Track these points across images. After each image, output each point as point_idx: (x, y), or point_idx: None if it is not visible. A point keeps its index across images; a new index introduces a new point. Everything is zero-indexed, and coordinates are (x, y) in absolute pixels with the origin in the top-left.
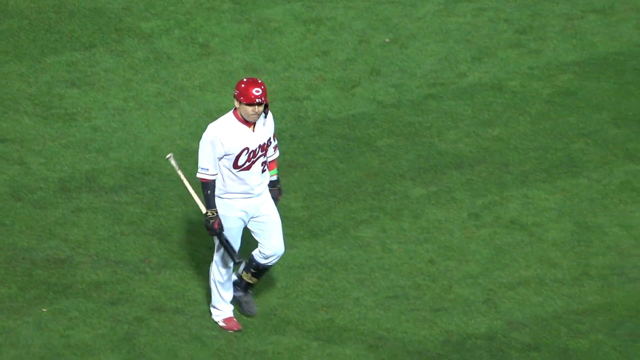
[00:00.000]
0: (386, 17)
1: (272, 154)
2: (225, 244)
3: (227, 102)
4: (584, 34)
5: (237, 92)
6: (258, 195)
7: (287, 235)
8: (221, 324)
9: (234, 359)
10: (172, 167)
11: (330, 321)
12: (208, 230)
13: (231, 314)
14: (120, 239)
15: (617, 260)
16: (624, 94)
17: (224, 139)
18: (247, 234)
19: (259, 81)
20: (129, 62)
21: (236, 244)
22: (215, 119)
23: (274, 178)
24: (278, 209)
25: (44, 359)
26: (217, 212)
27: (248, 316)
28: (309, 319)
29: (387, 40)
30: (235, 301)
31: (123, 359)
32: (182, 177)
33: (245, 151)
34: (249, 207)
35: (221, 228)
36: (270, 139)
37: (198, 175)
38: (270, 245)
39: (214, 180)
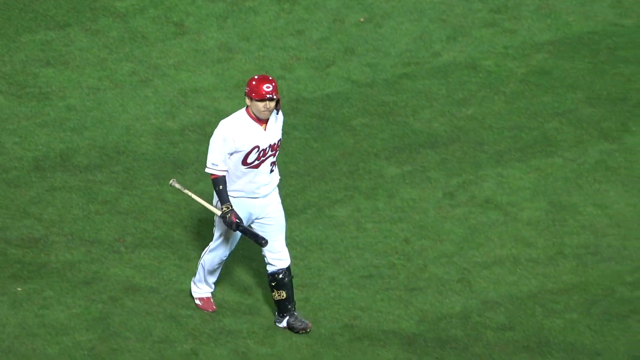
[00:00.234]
0: None
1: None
2: (248, 233)
3: (201, 81)
4: (559, 13)
5: (248, 89)
6: (264, 196)
7: None
8: (197, 302)
9: (208, 338)
10: (178, 190)
11: (305, 300)
12: (228, 226)
13: (209, 295)
14: (95, 218)
15: (591, 240)
16: (598, 74)
17: (236, 136)
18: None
19: (270, 77)
20: (103, 41)
21: (234, 241)
22: (189, 98)
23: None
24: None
25: (19, 337)
26: (231, 206)
27: (305, 331)
28: None
29: (361, 19)
30: (289, 327)
31: (97, 338)
32: (191, 194)
33: (256, 149)
34: (253, 208)
35: (239, 219)
36: (280, 140)
37: (207, 170)
38: (272, 248)
39: (224, 176)
